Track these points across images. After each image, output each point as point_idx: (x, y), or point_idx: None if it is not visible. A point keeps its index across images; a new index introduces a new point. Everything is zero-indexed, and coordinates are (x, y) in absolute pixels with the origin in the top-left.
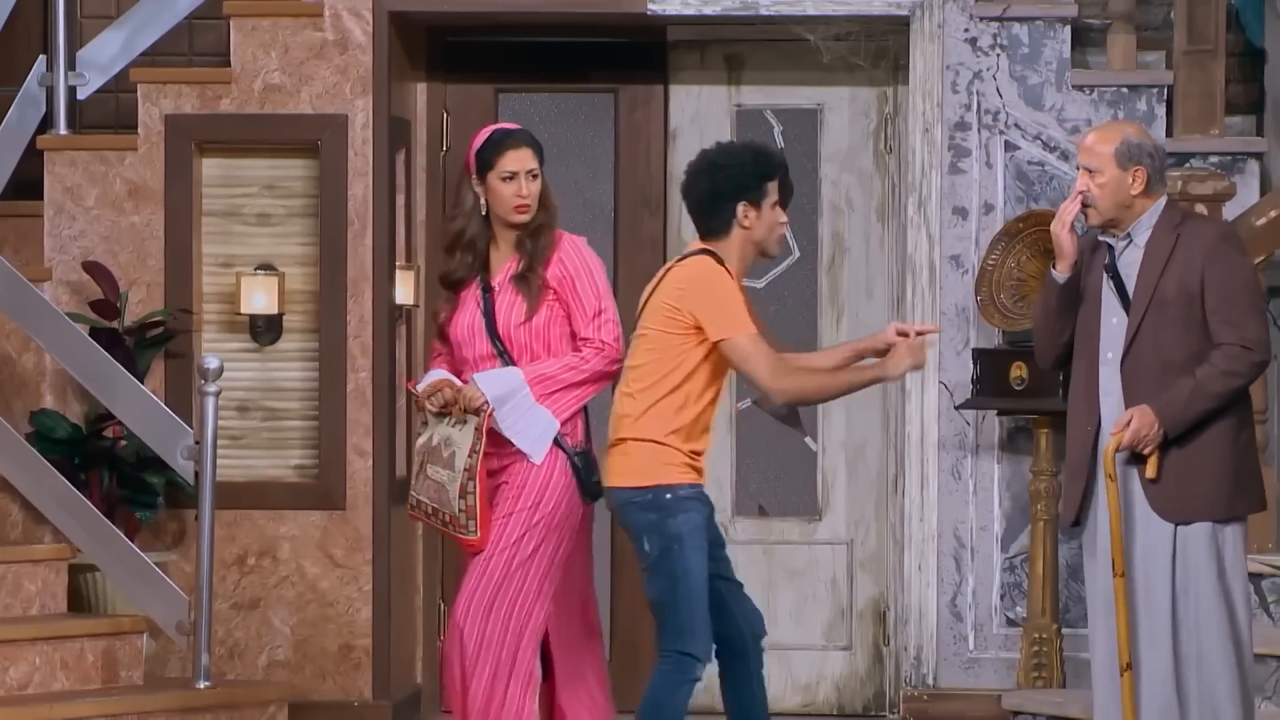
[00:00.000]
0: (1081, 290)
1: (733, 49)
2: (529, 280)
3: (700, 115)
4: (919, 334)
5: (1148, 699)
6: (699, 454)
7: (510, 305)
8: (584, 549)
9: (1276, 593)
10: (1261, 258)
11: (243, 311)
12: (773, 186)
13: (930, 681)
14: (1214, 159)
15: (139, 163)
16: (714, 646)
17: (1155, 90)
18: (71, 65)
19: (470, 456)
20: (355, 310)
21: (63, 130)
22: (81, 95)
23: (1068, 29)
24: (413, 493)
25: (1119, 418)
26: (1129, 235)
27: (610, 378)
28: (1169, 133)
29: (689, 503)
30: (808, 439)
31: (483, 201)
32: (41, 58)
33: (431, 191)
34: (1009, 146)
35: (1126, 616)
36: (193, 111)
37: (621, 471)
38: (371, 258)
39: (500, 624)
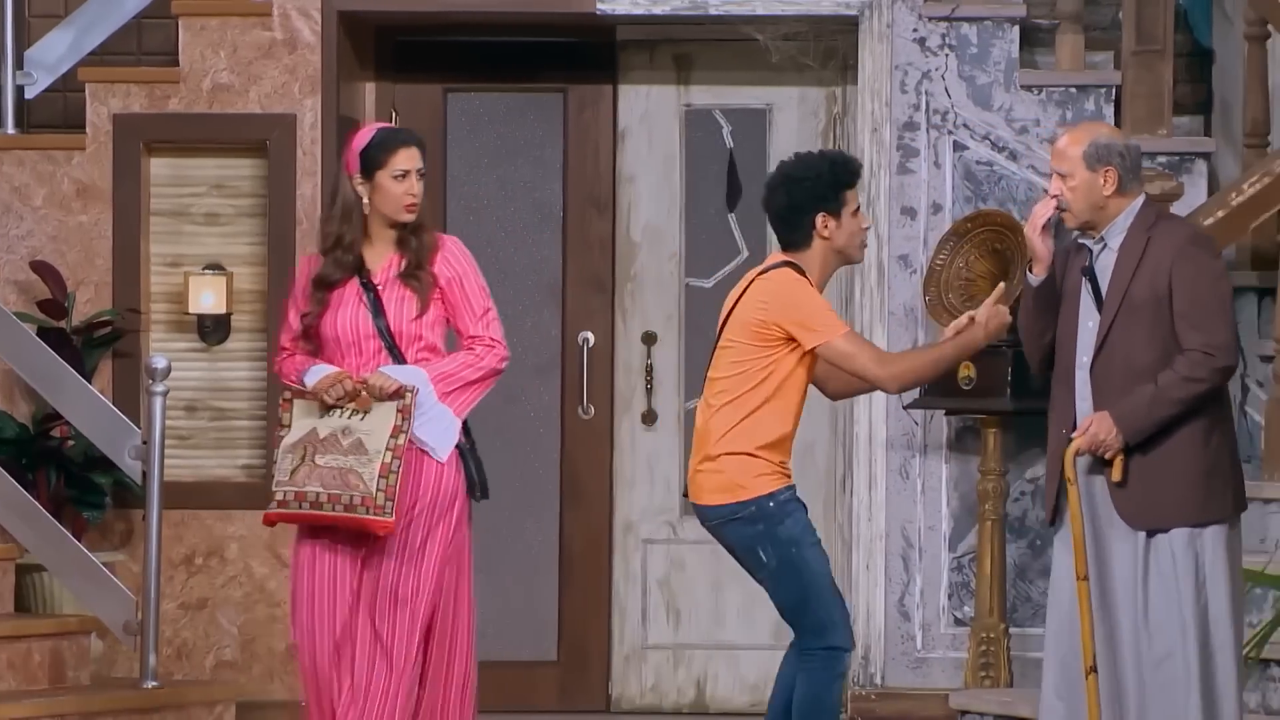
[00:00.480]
0: (1061, 292)
1: (682, 49)
2: (419, 278)
3: (649, 115)
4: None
5: (1108, 702)
6: (785, 463)
7: (400, 302)
8: (468, 547)
9: None
10: None
11: (191, 311)
12: (852, 195)
13: (878, 681)
14: (1162, 159)
15: (87, 162)
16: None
17: (1103, 90)
18: (19, 64)
19: (395, 437)
20: None
21: (10, 130)
22: (29, 94)
23: (1016, 29)
24: (287, 488)
25: (1081, 422)
26: (1103, 238)
27: (500, 374)
28: None
29: (790, 504)
30: None
31: (366, 201)
32: None
33: None
34: (957, 146)
35: (1089, 620)
36: (141, 111)
37: (716, 488)
38: None
39: (403, 621)
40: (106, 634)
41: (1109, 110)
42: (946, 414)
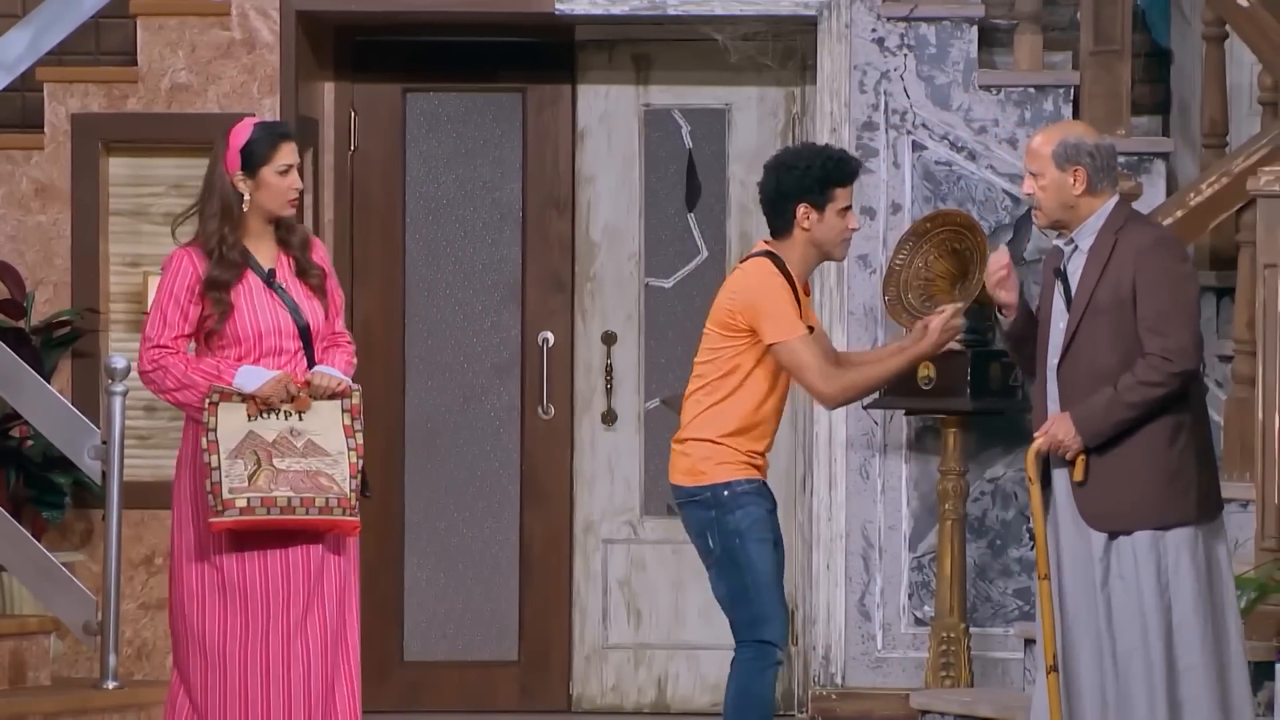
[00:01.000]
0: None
1: (641, 49)
2: (315, 275)
3: (608, 115)
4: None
5: (1074, 702)
6: (759, 453)
7: (308, 300)
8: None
9: None
10: None
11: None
12: (843, 193)
13: (839, 680)
14: (1121, 159)
15: (45, 162)
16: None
17: (1062, 90)
18: None
19: (353, 437)
20: None
21: None
22: None
23: (975, 29)
24: (249, 494)
25: (1044, 423)
26: (1073, 240)
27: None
28: None
29: (746, 497)
30: None
31: (247, 197)
32: None
33: (339, 191)
34: (916, 146)
35: (1051, 618)
36: (99, 111)
37: (681, 470)
38: None
39: (324, 623)
40: (66, 634)
41: (1067, 110)
42: (906, 414)
